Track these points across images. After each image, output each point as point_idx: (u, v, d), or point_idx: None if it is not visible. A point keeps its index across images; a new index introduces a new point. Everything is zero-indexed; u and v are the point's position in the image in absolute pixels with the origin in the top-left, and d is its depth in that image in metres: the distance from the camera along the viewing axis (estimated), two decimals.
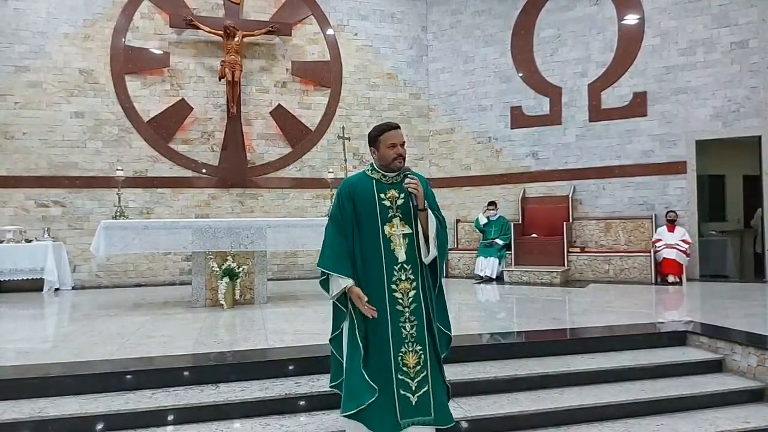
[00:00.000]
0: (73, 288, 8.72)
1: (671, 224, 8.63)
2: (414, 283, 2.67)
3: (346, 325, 2.71)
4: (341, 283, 2.61)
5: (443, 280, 2.88)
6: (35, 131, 8.96)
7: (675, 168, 9.02)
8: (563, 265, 9.03)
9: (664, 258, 8.48)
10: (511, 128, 10.28)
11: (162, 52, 9.57)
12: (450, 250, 10.17)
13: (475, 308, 6.81)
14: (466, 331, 5.13)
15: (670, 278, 8.34)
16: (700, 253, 8.96)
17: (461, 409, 3.55)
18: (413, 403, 2.60)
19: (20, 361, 4.09)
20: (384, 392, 2.57)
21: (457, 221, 10.59)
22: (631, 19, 9.38)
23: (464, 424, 3.42)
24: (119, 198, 7.50)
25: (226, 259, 6.52)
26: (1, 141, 8.83)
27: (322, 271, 2.70)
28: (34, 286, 8.30)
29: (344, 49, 10.46)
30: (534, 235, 9.57)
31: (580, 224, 9.62)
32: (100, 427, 3.24)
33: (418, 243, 2.70)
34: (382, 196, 2.68)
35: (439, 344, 2.73)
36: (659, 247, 8.57)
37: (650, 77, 9.21)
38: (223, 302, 6.45)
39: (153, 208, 9.41)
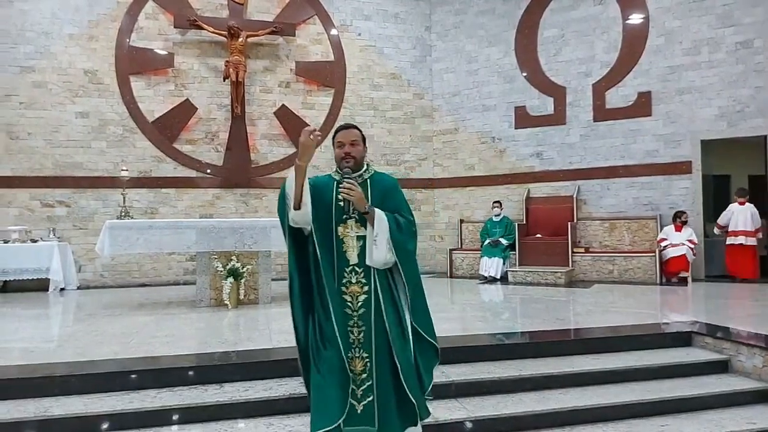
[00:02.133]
0: (78, 288, 8.75)
1: (681, 224, 8.56)
2: (365, 288, 2.57)
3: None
4: (290, 178, 2.48)
5: (426, 284, 2.74)
6: (40, 131, 9.00)
7: (680, 168, 8.99)
8: (567, 266, 9.01)
9: (669, 258, 8.45)
10: (515, 128, 10.26)
11: (166, 53, 9.59)
12: (454, 250, 10.16)
13: (480, 308, 6.80)
14: (471, 331, 5.13)
15: (682, 274, 8.30)
16: (705, 253, 8.93)
17: (465, 409, 3.55)
18: (358, 411, 2.52)
19: (25, 361, 4.10)
20: (334, 397, 2.48)
21: (461, 221, 10.58)
22: (635, 18, 9.35)
23: (468, 425, 3.42)
24: (124, 198, 7.53)
25: (231, 259, 6.52)
26: (6, 141, 8.87)
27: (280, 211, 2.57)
28: (40, 285, 8.33)
29: (348, 50, 10.47)
30: (538, 236, 9.55)
31: (585, 224, 9.60)
32: (105, 426, 3.25)
33: None
34: (340, 197, 2.56)
35: (416, 352, 2.61)
36: (664, 246, 8.54)
37: (655, 77, 9.18)
38: (227, 302, 6.46)
39: (157, 208, 9.44)
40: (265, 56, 10.08)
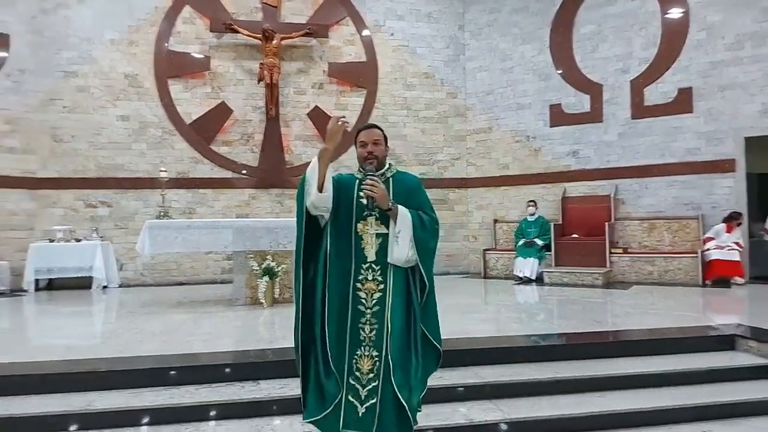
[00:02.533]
0: (120, 286, 9.01)
1: (736, 225, 8.25)
2: (381, 285, 2.54)
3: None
4: (313, 162, 2.50)
5: (434, 286, 2.67)
6: (83, 134, 9.30)
7: (722, 166, 8.70)
8: (605, 266, 8.82)
9: (713, 259, 8.17)
10: (550, 126, 10.11)
11: (203, 56, 9.80)
12: (488, 250, 10.08)
13: (515, 309, 6.73)
14: (506, 332, 5.08)
15: (737, 280, 8.03)
16: (750, 255, 8.62)
17: (500, 410, 3.51)
18: (359, 413, 2.45)
19: (70, 356, 4.25)
20: (332, 394, 2.49)
21: (495, 221, 10.48)
22: (674, 13, 9.09)
23: (503, 426, 3.39)
24: (163, 198, 7.72)
25: (266, 258, 6.61)
26: (51, 144, 9.20)
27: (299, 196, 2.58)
28: (83, 283, 8.61)
29: (380, 50, 10.49)
30: (575, 236, 9.38)
31: (623, 224, 9.38)
32: (145, 420, 3.34)
33: None
34: (361, 194, 2.55)
35: (418, 357, 2.55)
36: (709, 247, 8.26)
37: (695, 73, 8.91)
38: (262, 300, 6.56)
39: (195, 208, 9.64)
40: (299, 58, 10.19)
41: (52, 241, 8.63)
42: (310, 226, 2.58)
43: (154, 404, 3.41)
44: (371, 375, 2.48)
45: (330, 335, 2.51)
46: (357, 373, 2.49)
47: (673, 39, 9.08)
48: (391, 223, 2.53)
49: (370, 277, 2.55)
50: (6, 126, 8.76)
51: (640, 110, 9.34)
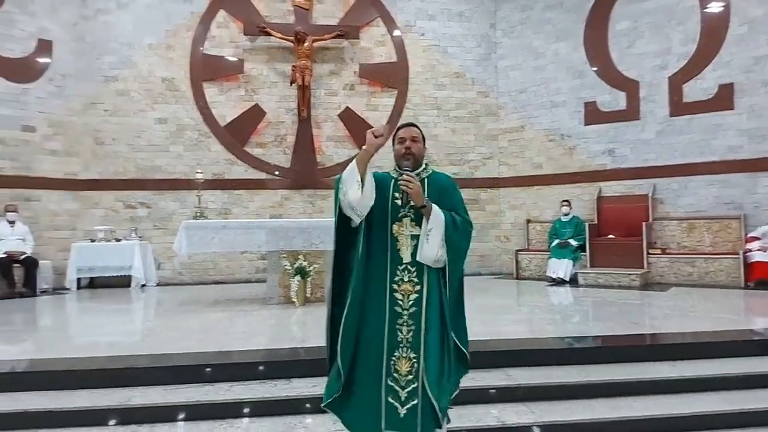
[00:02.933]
0: (158, 284, 9.24)
1: None
2: (417, 287, 2.53)
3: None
4: (352, 164, 2.49)
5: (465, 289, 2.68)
6: (123, 137, 9.58)
7: (765, 165, 8.39)
8: (642, 267, 8.61)
9: (756, 261, 7.88)
10: (585, 125, 9.93)
11: (237, 59, 9.97)
12: (520, 250, 9.96)
13: (548, 311, 6.64)
14: (539, 334, 5.02)
15: None
16: None
17: (533, 414, 3.47)
18: (401, 414, 2.45)
19: (111, 353, 4.39)
20: (370, 395, 2.48)
21: (528, 221, 10.35)
22: (714, 7, 8.82)
23: (536, 429, 3.34)
24: (199, 199, 7.89)
25: (298, 258, 6.69)
26: (93, 147, 9.50)
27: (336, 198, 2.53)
28: (122, 282, 8.87)
29: (411, 50, 10.48)
30: (611, 236, 9.19)
31: (661, 224, 9.15)
32: (181, 416, 3.42)
33: None
34: (396, 194, 2.56)
35: (450, 359, 2.55)
36: (752, 248, 7.98)
37: (736, 68, 8.62)
38: (295, 300, 6.64)
39: (230, 208, 9.82)
40: (331, 60, 10.27)
41: (93, 241, 8.91)
42: (344, 227, 2.58)
43: (190, 401, 3.49)
44: (410, 377, 2.49)
45: (366, 338, 2.52)
46: (395, 375, 2.49)
47: (713, 34, 8.81)
48: (424, 220, 2.52)
49: (406, 279, 2.55)
50: (50, 129, 9.09)
51: (678, 107, 9.09)
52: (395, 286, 2.55)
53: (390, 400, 2.48)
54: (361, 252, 2.54)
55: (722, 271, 8.18)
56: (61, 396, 3.53)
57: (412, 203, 2.50)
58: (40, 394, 3.56)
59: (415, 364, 2.49)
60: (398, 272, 2.55)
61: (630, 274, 8.34)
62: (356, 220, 2.53)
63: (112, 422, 3.35)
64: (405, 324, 2.52)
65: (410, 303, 2.53)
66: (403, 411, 2.46)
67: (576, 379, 3.82)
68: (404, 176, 2.48)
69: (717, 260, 8.26)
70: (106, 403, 3.45)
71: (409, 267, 2.55)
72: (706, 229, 8.79)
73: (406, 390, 2.48)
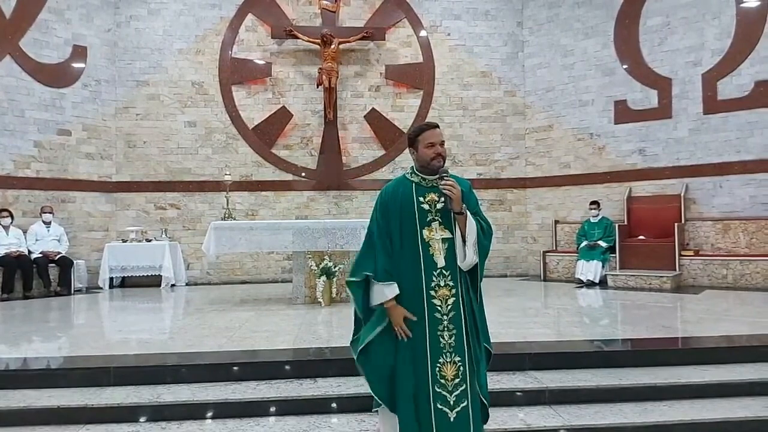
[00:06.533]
0: (187, 284, 9.42)
1: None
2: (453, 290, 2.53)
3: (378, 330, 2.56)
4: (387, 293, 2.49)
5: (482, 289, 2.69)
6: (154, 140, 9.79)
7: None
8: (674, 270, 8.41)
9: None
10: (615, 123, 9.74)
11: (264, 63, 10.08)
12: (548, 252, 9.83)
13: (577, 314, 6.53)
14: (566, 337, 4.95)
15: None
16: None
17: (560, 417, 3.42)
18: (451, 419, 2.46)
19: (141, 351, 4.48)
20: (420, 405, 2.47)
21: (556, 222, 10.20)
22: (751, 1, 8.57)
23: None
24: (227, 201, 8.00)
25: (323, 259, 6.74)
26: (125, 150, 9.74)
27: (354, 272, 2.59)
28: (153, 282, 9.05)
29: (437, 50, 10.45)
30: (641, 237, 9.00)
31: (694, 225, 8.91)
32: (210, 414, 3.48)
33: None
34: (421, 199, 2.54)
35: (482, 356, 2.60)
36: None
37: None
38: (320, 300, 6.68)
39: (257, 210, 9.94)
40: (357, 62, 10.30)
41: (125, 241, 9.12)
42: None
43: (218, 398, 3.54)
44: (457, 380, 2.49)
45: (406, 351, 2.52)
46: (442, 381, 2.49)
47: (750, 29, 8.55)
48: (458, 226, 2.51)
49: (442, 284, 2.53)
50: (84, 133, 9.35)
51: (713, 105, 8.84)
52: (432, 293, 2.52)
53: (439, 406, 2.48)
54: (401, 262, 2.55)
55: (758, 273, 7.93)
56: (93, 392, 3.61)
57: (449, 207, 2.49)
58: (73, 390, 3.65)
59: (461, 367, 2.50)
60: (434, 278, 2.53)
61: (661, 277, 8.15)
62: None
63: (142, 419, 3.42)
64: (446, 329, 2.51)
65: (449, 307, 2.52)
66: (452, 415, 2.47)
67: (605, 382, 3.74)
68: (448, 180, 2.47)
69: (753, 262, 8.01)
70: (137, 399, 3.52)
71: (443, 271, 2.53)
72: (741, 230, 8.53)
73: (454, 394, 2.48)
